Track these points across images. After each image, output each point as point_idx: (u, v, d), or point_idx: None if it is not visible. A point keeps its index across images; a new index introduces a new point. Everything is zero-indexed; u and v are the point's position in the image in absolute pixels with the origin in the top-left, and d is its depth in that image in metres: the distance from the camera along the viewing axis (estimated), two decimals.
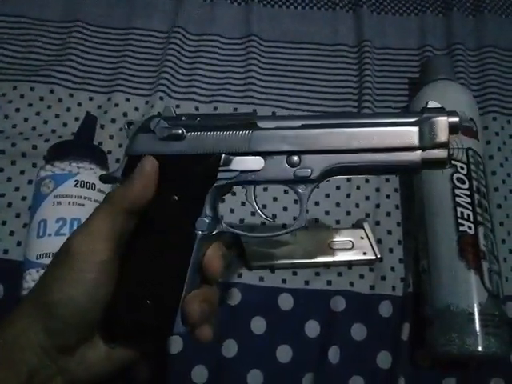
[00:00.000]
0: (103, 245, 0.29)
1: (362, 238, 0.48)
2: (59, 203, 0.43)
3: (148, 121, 0.33)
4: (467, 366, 0.44)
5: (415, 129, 0.32)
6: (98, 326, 0.30)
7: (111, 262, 0.29)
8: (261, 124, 0.33)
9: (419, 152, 0.32)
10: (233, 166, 0.32)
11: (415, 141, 0.32)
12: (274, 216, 0.50)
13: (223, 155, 0.32)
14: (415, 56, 0.61)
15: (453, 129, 0.32)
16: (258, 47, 0.60)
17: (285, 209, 0.51)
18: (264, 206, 0.50)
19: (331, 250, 0.47)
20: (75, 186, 0.44)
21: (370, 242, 0.47)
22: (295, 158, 0.32)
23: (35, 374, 0.29)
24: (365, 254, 0.47)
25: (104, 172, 0.46)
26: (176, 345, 0.44)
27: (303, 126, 0.33)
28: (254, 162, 0.32)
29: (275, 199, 0.51)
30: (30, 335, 0.29)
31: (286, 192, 0.51)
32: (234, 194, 0.48)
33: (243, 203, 0.50)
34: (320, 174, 0.33)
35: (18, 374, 0.28)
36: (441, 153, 0.32)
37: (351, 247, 0.47)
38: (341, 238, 0.48)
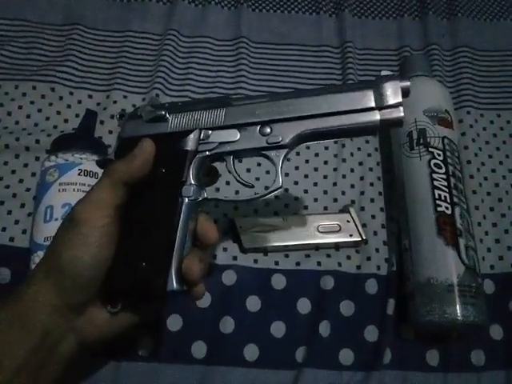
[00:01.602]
0: (103, 212, 0.33)
1: (348, 221, 0.51)
2: (64, 190, 0.46)
3: (136, 109, 0.38)
4: (449, 339, 0.48)
5: (370, 91, 0.35)
6: (99, 293, 0.33)
7: (111, 226, 0.33)
8: (233, 102, 0.37)
9: (377, 112, 0.35)
10: (211, 139, 0.36)
11: (371, 102, 0.35)
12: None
13: (202, 130, 0.36)
14: (394, 56, 0.66)
15: (405, 92, 0.35)
16: (247, 48, 0.64)
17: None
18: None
19: (320, 233, 0.50)
20: (79, 174, 0.47)
21: (355, 225, 0.51)
22: (266, 127, 0.36)
23: (48, 333, 0.31)
24: (351, 236, 0.50)
25: None
26: (177, 322, 0.46)
27: (271, 99, 0.37)
28: (230, 134, 0.36)
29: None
30: (43, 296, 0.31)
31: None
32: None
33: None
34: (290, 140, 0.36)
35: (32, 333, 0.31)
36: (396, 112, 0.35)
37: (338, 230, 0.51)
38: (328, 222, 0.51)
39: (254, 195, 0.38)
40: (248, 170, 0.55)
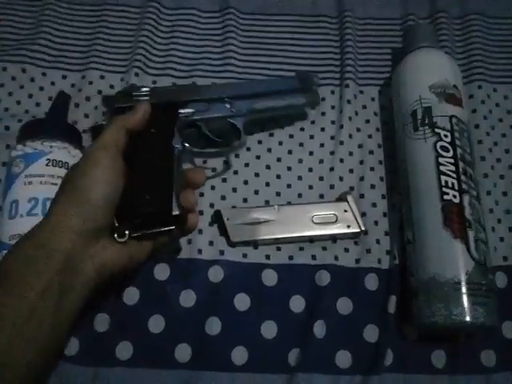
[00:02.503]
0: (110, 152, 0.38)
1: (345, 211, 0.46)
2: (30, 183, 0.42)
3: (128, 87, 0.49)
4: (456, 339, 0.43)
5: (296, 78, 0.51)
6: (111, 226, 0.37)
7: (116, 161, 0.38)
8: (203, 86, 0.52)
9: (302, 93, 0.50)
10: (188, 108, 0.47)
11: (298, 85, 0.50)
12: None
13: (180, 102, 0.47)
14: (398, 26, 0.60)
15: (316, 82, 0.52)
16: (236, 20, 0.59)
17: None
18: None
19: (315, 225, 0.46)
20: (47, 165, 0.42)
21: (353, 214, 0.46)
22: (228, 102, 0.48)
23: (70, 257, 0.34)
24: (349, 227, 0.46)
25: (77, 151, 0.45)
26: (159, 323, 0.43)
27: (231, 84, 0.53)
28: (202, 105, 0.47)
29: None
30: (66, 222, 0.34)
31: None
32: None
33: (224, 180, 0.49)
34: (246, 111, 0.49)
35: (55, 258, 0.33)
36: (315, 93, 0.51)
37: (335, 221, 0.46)
38: (324, 212, 0.46)
39: (226, 150, 0.49)
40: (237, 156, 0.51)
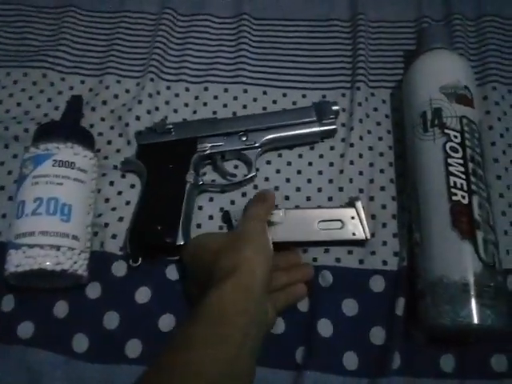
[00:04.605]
0: (267, 252, 0.40)
1: (352, 217, 0.46)
2: (37, 183, 0.43)
3: (154, 124, 0.51)
4: (465, 343, 0.43)
5: (312, 109, 0.52)
6: (126, 248, 0.44)
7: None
8: (219, 119, 0.53)
9: (317, 124, 0.51)
10: (206, 143, 0.50)
11: (314, 116, 0.51)
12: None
13: (198, 138, 0.50)
14: (412, 28, 0.60)
15: (336, 112, 0.52)
16: (249, 26, 0.60)
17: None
18: None
19: (320, 230, 0.45)
20: (53, 165, 0.43)
21: (360, 222, 0.46)
22: (244, 135, 0.50)
23: (262, 298, 0.37)
24: (354, 234, 0.45)
25: (88, 152, 0.46)
26: (169, 322, 0.43)
27: (246, 117, 0.53)
28: (219, 139, 0.50)
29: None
30: (257, 267, 0.37)
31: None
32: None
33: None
34: (261, 144, 0.50)
35: (252, 300, 0.36)
36: (331, 124, 0.51)
37: (340, 227, 0.46)
38: (330, 218, 0.46)
39: (235, 180, 0.50)
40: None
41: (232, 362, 0.33)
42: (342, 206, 0.48)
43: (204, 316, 0.34)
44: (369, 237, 0.45)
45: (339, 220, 0.46)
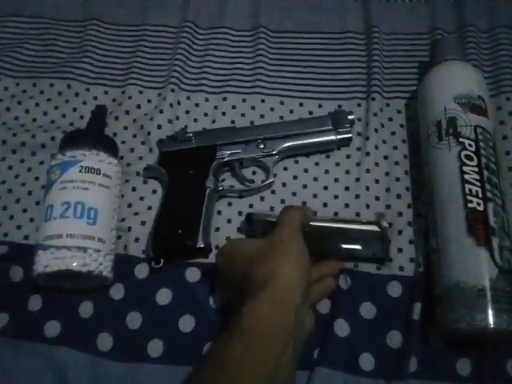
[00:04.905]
0: (304, 257, 0.40)
1: (376, 237, 0.44)
2: (64, 188, 0.45)
3: (175, 133, 0.53)
4: (482, 347, 0.43)
5: (329, 118, 0.53)
6: (148, 251, 0.46)
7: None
8: (238, 127, 0.54)
9: (333, 133, 0.52)
10: (225, 150, 0.52)
11: (330, 125, 0.52)
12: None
13: (218, 146, 0.52)
14: (425, 40, 0.61)
15: (352, 121, 0.53)
16: (266, 38, 0.62)
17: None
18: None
19: (341, 248, 0.45)
20: (80, 171, 0.45)
21: (382, 244, 0.45)
22: (261, 143, 0.52)
23: (299, 312, 0.36)
24: (374, 254, 0.46)
25: (112, 159, 0.48)
26: (189, 323, 0.45)
27: (264, 125, 0.54)
28: (237, 147, 0.52)
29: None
30: (291, 281, 0.37)
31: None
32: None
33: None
34: (278, 152, 0.52)
35: (288, 314, 0.35)
36: (347, 132, 0.53)
37: (362, 247, 0.45)
38: (355, 237, 0.44)
39: (253, 186, 0.51)
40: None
41: (270, 376, 0.32)
42: (367, 223, 0.44)
43: (239, 333, 0.34)
44: (388, 260, 0.46)
45: (362, 239, 0.45)
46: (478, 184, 0.43)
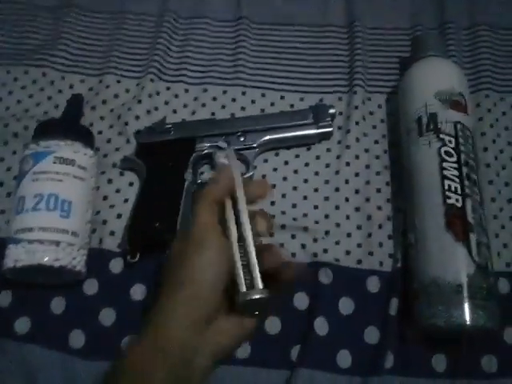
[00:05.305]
0: (211, 232, 0.35)
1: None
2: (37, 179, 0.43)
3: (153, 124, 0.52)
4: (457, 343, 0.43)
5: (310, 112, 0.53)
6: (124, 244, 0.44)
7: (220, 240, 0.35)
8: (218, 119, 0.54)
9: (314, 126, 0.52)
10: (204, 143, 0.51)
11: (311, 119, 0.52)
12: None
13: (197, 138, 0.51)
14: (407, 35, 0.61)
15: (332, 115, 0.53)
16: (248, 30, 0.60)
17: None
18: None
19: None
20: (54, 162, 0.44)
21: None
22: (242, 136, 0.51)
23: (185, 349, 0.32)
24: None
25: (88, 149, 0.46)
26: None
27: (244, 118, 0.53)
28: (217, 139, 0.51)
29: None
30: (174, 313, 0.32)
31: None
32: None
33: None
34: (258, 145, 0.51)
35: (171, 350, 0.31)
36: (328, 126, 0.52)
37: None
38: None
39: None
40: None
41: None
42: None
43: (122, 371, 0.32)
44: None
45: None
46: (457, 180, 0.43)
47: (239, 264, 0.35)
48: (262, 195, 0.38)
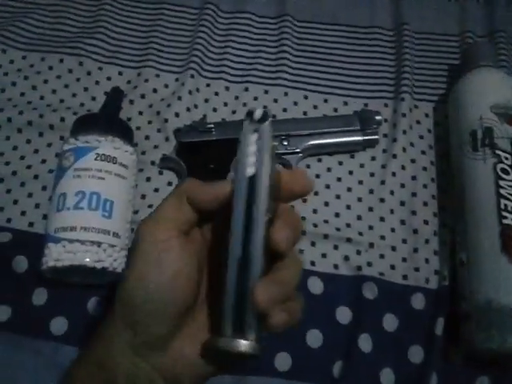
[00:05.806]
0: (165, 226, 0.28)
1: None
2: (79, 176, 0.41)
3: (194, 122, 0.50)
4: (503, 366, 0.42)
5: (356, 118, 0.51)
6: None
7: (173, 241, 0.28)
8: None
9: (360, 133, 0.50)
10: None
11: (357, 125, 0.50)
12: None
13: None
14: (455, 42, 0.59)
15: (379, 122, 0.51)
16: (291, 27, 0.58)
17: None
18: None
19: None
20: (95, 159, 0.42)
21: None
22: (285, 140, 0.49)
23: (134, 377, 0.27)
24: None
25: (128, 146, 0.45)
26: None
27: (289, 121, 0.51)
28: None
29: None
30: (119, 336, 0.27)
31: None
32: None
33: None
34: (302, 150, 0.49)
35: (116, 379, 0.27)
36: (374, 134, 0.51)
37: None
38: None
39: None
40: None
41: None
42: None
43: None
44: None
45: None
46: None
47: (230, 292, 0.25)
48: (300, 191, 0.30)
